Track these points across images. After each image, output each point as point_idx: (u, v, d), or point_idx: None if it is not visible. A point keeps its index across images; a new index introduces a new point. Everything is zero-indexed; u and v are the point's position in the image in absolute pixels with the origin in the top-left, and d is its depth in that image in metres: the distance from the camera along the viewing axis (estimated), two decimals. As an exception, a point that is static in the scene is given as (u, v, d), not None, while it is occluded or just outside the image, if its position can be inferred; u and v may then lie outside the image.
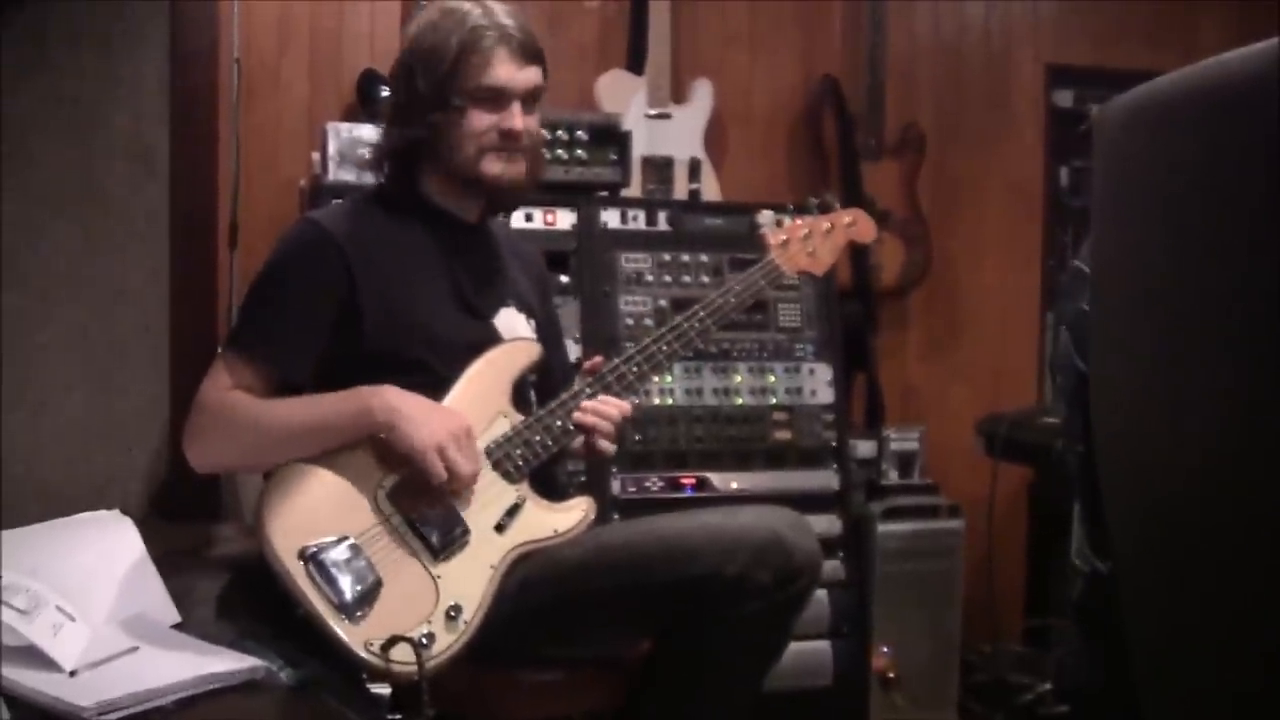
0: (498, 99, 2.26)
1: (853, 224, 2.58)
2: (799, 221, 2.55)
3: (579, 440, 2.28)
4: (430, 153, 2.29)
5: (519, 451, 2.20)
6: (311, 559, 2.01)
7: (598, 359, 2.35)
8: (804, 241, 2.52)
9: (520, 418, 2.24)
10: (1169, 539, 1.49)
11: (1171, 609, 1.51)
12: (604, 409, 2.26)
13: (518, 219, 3.24)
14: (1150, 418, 1.49)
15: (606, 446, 2.28)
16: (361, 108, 3.75)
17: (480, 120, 2.25)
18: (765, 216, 2.52)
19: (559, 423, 2.23)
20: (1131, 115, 1.47)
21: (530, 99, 2.29)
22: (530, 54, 2.28)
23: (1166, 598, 1.51)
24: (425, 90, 2.26)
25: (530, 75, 2.28)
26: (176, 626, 2.14)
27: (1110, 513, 1.62)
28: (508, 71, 2.25)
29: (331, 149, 3.39)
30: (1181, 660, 1.51)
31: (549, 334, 2.49)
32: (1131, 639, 1.60)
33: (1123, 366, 1.52)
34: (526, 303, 2.42)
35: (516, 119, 2.26)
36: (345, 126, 3.42)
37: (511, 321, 2.36)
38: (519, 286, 2.43)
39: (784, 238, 2.50)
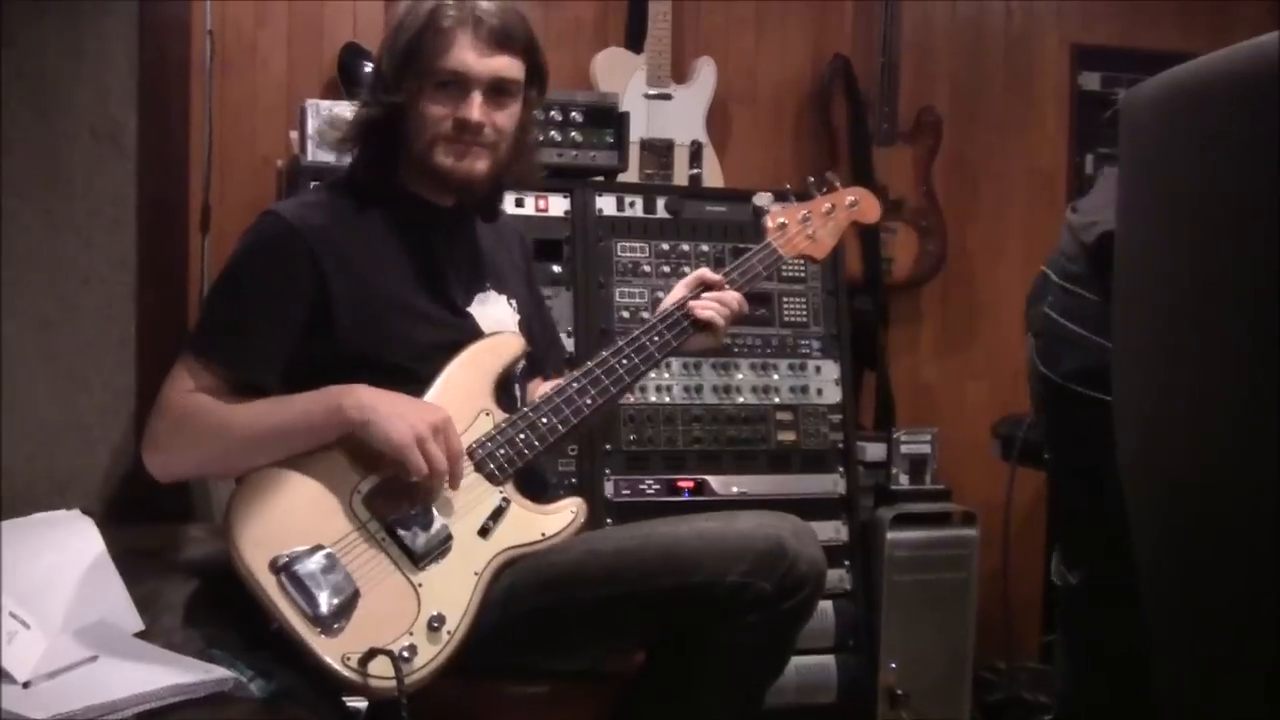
0: (457, 86, 2.24)
1: (855, 204, 2.59)
2: (798, 203, 2.56)
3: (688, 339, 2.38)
4: (401, 138, 2.28)
5: (503, 451, 2.19)
6: (284, 570, 2.00)
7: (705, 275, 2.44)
8: (803, 224, 2.53)
9: (504, 415, 2.24)
10: (1196, 549, 1.49)
11: (1196, 619, 1.51)
12: (725, 299, 2.38)
13: (507, 204, 3.23)
14: (1177, 425, 1.48)
15: (718, 333, 2.40)
16: (343, 84, 3.74)
17: (436, 108, 2.24)
18: (762, 198, 2.53)
19: (545, 420, 2.23)
20: (1161, 101, 1.46)
21: (498, 91, 2.26)
22: (501, 41, 2.24)
23: (1191, 608, 1.51)
24: (386, 70, 2.27)
25: (497, 64, 2.24)
26: (139, 634, 2.12)
27: (1135, 523, 1.62)
28: (467, 57, 2.23)
29: (311, 127, 3.38)
30: (1205, 673, 1.50)
31: (534, 312, 2.50)
32: (1155, 651, 1.60)
33: (1148, 370, 1.52)
34: (507, 284, 2.42)
35: (472, 109, 2.23)
36: (326, 104, 3.41)
37: (491, 308, 2.36)
38: (498, 268, 2.43)
39: (782, 220, 2.52)
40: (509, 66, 2.26)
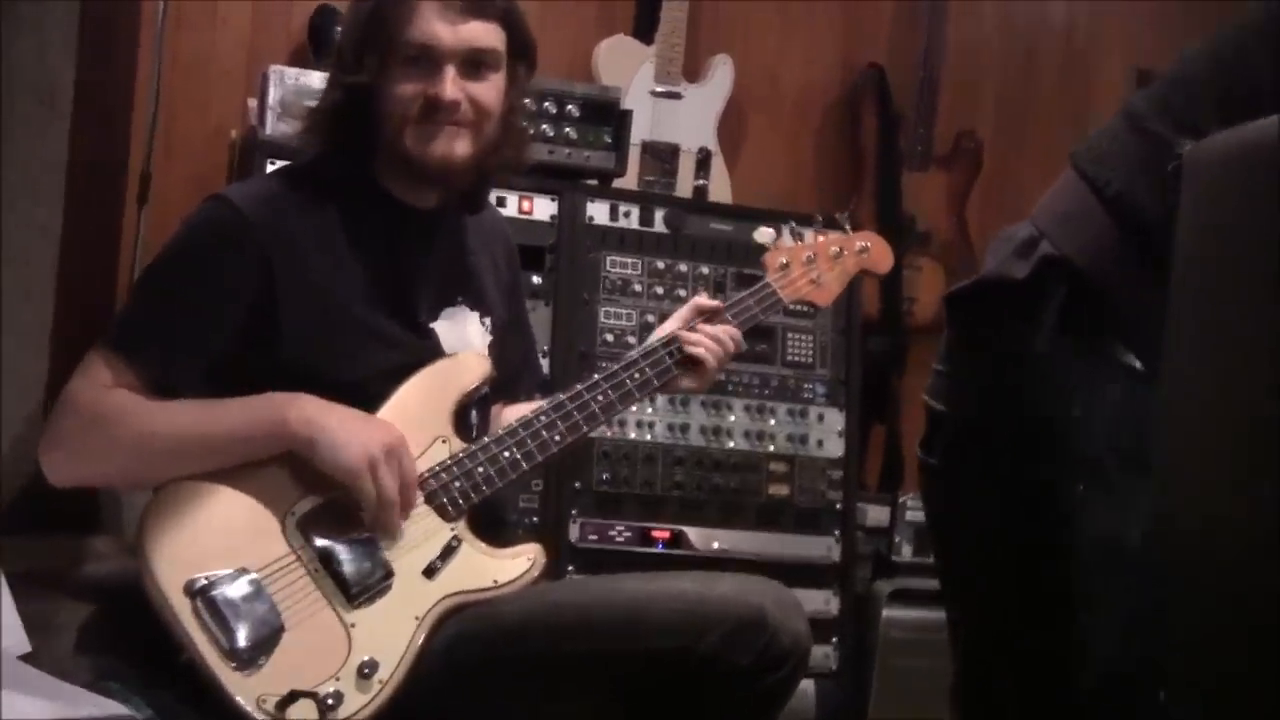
0: (426, 60, 2.23)
1: (865, 250, 2.61)
2: (802, 242, 2.57)
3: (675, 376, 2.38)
4: (370, 124, 2.27)
5: (459, 484, 2.19)
6: (201, 594, 1.99)
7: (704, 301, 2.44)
8: (807, 265, 2.54)
9: (462, 445, 2.23)
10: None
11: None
12: (721, 336, 2.38)
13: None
14: (1234, 508, 1.49)
15: (706, 375, 2.40)
16: (313, 51, 3.73)
17: (405, 86, 2.22)
18: (764, 235, 2.54)
19: (507, 454, 2.22)
20: (1236, 159, 1.45)
21: (474, 63, 2.25)
22: (473, 6, 2.24)
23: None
24: (347, 46, 2.27)
25: (470, 33, 2.23)
26: (24, 658, 2.11)
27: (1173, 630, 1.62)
28: (435, 27, 2.22)
29: (273, 97, 3.38)
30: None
31: (510, 331, 2.49)
32: None
33: (1203, 475, 1.51)
34: (482, 299, 2.42)
35: (445, 84, 2.21)
36: (292, 72, 3.42)
37: (459, 326, 2.35)
38: (476, 281, 2.43)
39: (784, 260, 2.53)
40: (485, 34, 2.25)
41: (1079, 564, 1.95)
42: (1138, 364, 1.93)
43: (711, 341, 2.38)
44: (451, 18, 2.22)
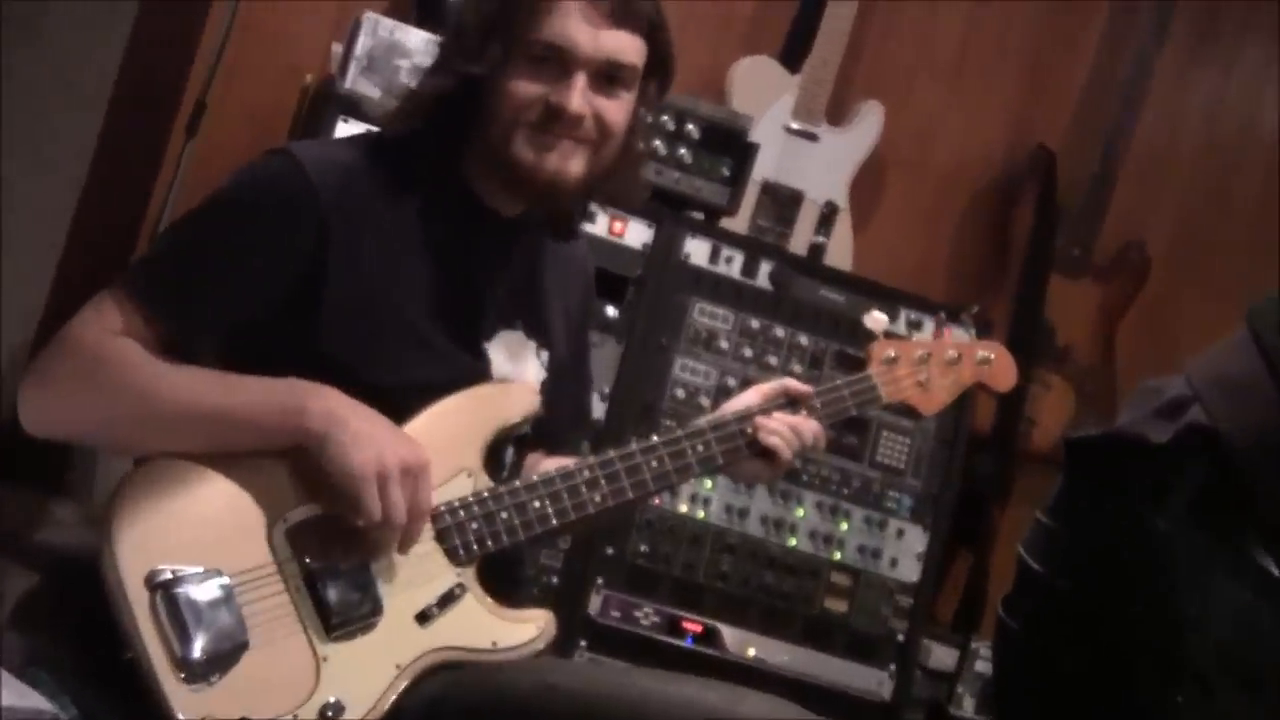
0: (556, 63, 2.23)
1: (987, 361, 2.60)
2: (917, 337, 2.56)
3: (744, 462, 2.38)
4: (475, 118, 2.27)
5: (476, 527, 2.18)
6: (163, 589, 1.99)
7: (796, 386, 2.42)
8: (917, 365, 2.53)
9: (488, 483, 2.23)
10: None
11: None
12: (804, 431, 2.37)
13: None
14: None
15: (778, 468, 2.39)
16: (416, 4, 3.76)
17: (527, 86, 2.23)
18: (875, 320, 2.52)
19: (538, 505, 2.22)
20: None
21: (608, 76, 2.25)
22: (620, 13, 2.23)
23: None
24: (468, 30, 2.27)
25: (612, 43, 2.23)
26: (-50, 624, 2.12)
27: None
28: (574, 29, 2.21)
29: (361, 47, 3.40)
30: None
31: (566, 374, 2.49)
32: None
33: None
34: (546, 333, 2.43)
35: (573, 94, 2.21)
36: (388, 23, 3.43)
37: (513, 352, 2.36)
38: (544, 310, 2.44)
39: (893, 353, 2.51)
40: (626, 47, 2.25)
41: None
42: (1275, 570, 1.90)
43: (793, 435, 2.37)
44: (595, 21, 2.22)
